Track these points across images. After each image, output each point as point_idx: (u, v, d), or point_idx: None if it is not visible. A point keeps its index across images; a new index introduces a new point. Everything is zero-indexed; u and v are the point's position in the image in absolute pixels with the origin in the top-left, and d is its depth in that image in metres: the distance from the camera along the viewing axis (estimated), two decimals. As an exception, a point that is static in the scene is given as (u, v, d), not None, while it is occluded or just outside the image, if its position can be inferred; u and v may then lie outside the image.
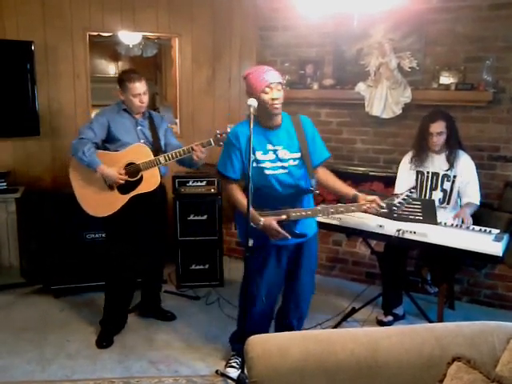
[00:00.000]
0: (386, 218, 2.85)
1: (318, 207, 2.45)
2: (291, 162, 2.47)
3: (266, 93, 2.37)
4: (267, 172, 2.45)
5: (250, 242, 2.49)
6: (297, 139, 2.49)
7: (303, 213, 2.43)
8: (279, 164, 2.46)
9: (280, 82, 2.41)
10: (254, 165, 2.44)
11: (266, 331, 2.73)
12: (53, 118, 4.05)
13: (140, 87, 2.94)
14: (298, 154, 2.49)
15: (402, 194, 2.41)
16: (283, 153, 2.46)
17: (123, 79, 2.97)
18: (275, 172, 2.46)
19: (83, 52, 4.09)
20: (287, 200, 2.47)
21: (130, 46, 6.56)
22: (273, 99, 2.37)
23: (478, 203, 3.15)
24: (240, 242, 2.65)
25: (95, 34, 4.26)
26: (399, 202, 2.37)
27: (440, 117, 3.17)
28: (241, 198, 2.49)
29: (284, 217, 2.41)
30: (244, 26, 4.52)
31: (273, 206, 2.45)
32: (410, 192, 2.43)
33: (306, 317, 2.78)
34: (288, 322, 2.71)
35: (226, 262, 3.93)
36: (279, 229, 2.39)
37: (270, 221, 2.39)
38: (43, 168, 4.07)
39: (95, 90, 4.56)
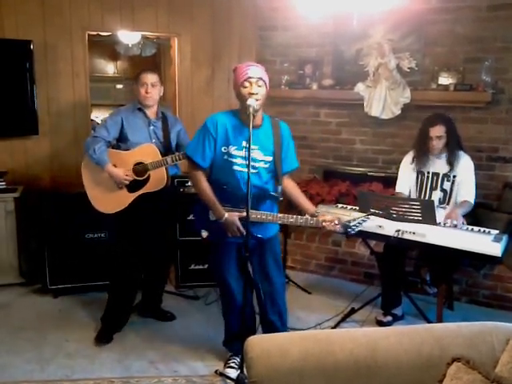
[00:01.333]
0: (384, 218, 2.87)
1: (280, 214, 2.50)
2: (262, 164, 2.48)
3: (245, 87, 2.37)
4: (236, 168, 2.45)
5: (204, 234, 2.61)
6: (273, 143, 2.49)
7: (263, 216, 2.48)
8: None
9: (261, 78, 2.38)
10: (225, 157, 2.46)
11: (253, 328, 2.77)
12: (52, 118, 4.05)
13: (149, 77, 3.02)
14: (271, 158, 2.49)
15: (359, 218, 2.52)
16: (256, 153, 2.46)
17: (138, 72, 3.11)
18: (244, 169, 2.43)
19: (82, 51, 4.08)
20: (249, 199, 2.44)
21: (129, 46, 6.56)
22: (250, 94, 2.35)
23: (472, 203, 3.15)
24: (195, 230, 2.67)
25: (94, 33, 4.26)
26: (355, 225, 2.49)
27: (440, 121, 3.17)
28: (206, 189, 2.50)
29: (244, 214, 2.41)
30: (243, 25, 4.52)
31: (235, 204, 2.47)
32: (366, 217, 2.55)
33: (285, 312, 2.77)
34: (269, 319, 2.71)
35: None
36: (240, 226, 2.44)
37: (233, 217, 2.43)
38: (42, 167, 4.06)
39: (94, 89, 4.57)
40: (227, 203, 2.49)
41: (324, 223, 2.44)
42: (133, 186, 3.04)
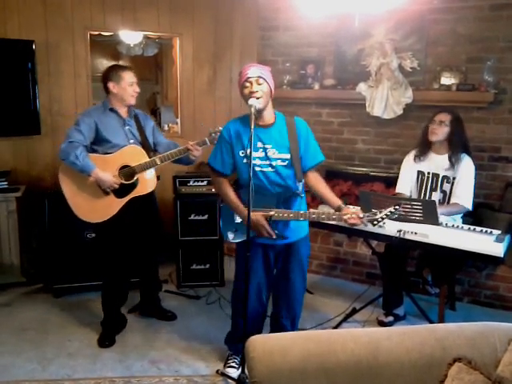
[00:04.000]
0: (386, 218, 2.86)
1: (301, 211, 2.46)
2: (279, 162, 2.47)
3: (246, 87, 2.39)
4: (256, 168, 2.45)
5: (230, 237, 2.58)
6: (288, 140, 2.47)
7: (285, 214, 2.44)
8: (268, 162, 2.46)
9: (260, 76, 2.38)
10: (245, 161, 2.46)
11: (260, 331, 2.75)
12: (54, 117, 4.06)
13: (133, 76, 2.95)
14: (288, 155, 2.47)
15: (384, 210, 2.37)
16: (271, 152, 2.46)
17: (115, 70, 2.95)
18: (264, 169, 2.46)
19: (84, 51, 4.09)
20: (274, 199, 2.46)
21: (131, 46, 6.55)
22: (251, 92, 2.37)
23: (467, 206, 3.08)
24: (222, 235, 2.67)
25: (96, 33, 4.26)
26: (381, 217, 2.35)
27: (448, 110, 3.17)
28: (229, 193, 2.52)
29: (272, 213, 2.42)
30: (245, 25, 4.52)
31: (259, 204, 2.45)
32: (394, 209, 2.37)
33: (299, 318, 2.76)
34: (281, 323, 2.71)
35: (227, 261, 3.93)
36: (266, 225, 2.42)
37: (257, 216, 2.41)
38: (44, 167, 4.07)
39: (96, 89, 4.55)
40: (257, 205, 2.43)
41: (345, 217, 2.35)
42: (120, 191, 2.90)
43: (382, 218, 2.35)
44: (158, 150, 3.08)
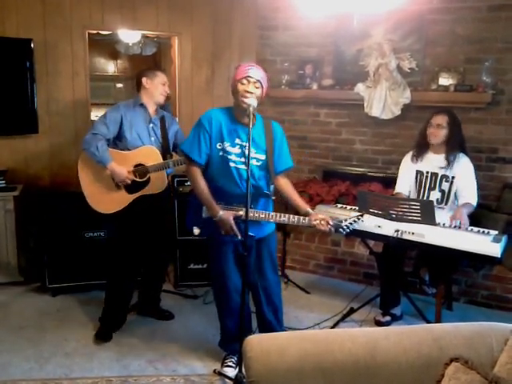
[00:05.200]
0: (383, 218, 2.87)
1: (272, 213, 2.51)
2: (254, 162, 2.48)
3: (243, 84, 2.40)
4: (231, 164, 2.47)
5: (196, 231, 2.60)
6: (265, 142, 2.52)
7: (257, 214, 2.49)
8: (243, 160, 2.47)
9: (259, 81, 2.41)
10: (221, 154, 2.48)
11: (249, 327, 2.78)
12: (52, 116, 4.05)
13: (166, 78, 3.12)
14: (263, 156, 2.51)
15: (350, 218, 2.51)
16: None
17: (152, 69, 3.17)
18: (238, 166, 2.48)
19: (83, 50, 4.08)
20: (244, 198, 2.44)
21: (130, 45, 6.55)
22: (245, 91, 2.37)
23: (475, 204, 3.14)
24: (187, 227, 2.66)
25: (95, 32, 4.26)
26: (346, 225, 2.47)
27: (445, 112, 3.19)
28: (202, 185, 2.51)
29: (241, 213, 2.45)
30: (244, 25, 4.52)
31: (228, 201, 2.49)
32: (358, 218, 2.52)
33: (281, 310, 2.79)
34: (265, 318, 2.73)
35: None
36: (234, 225, 2.45)
37: (227, 215, 2.44)
38: (42, 166, 4.06)
39: (94, 88, 4.56)
40: (221, 200, 2.50)
41: (315, 222, 2.45)
42: (131, 188, 3.02)
43: (347, 226, 2.48)
44: (177, 151, 3.18)
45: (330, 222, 2.44)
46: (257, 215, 2.49)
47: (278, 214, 2.50)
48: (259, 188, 2.55)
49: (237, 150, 2.47)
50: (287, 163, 2.64)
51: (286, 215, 2.50)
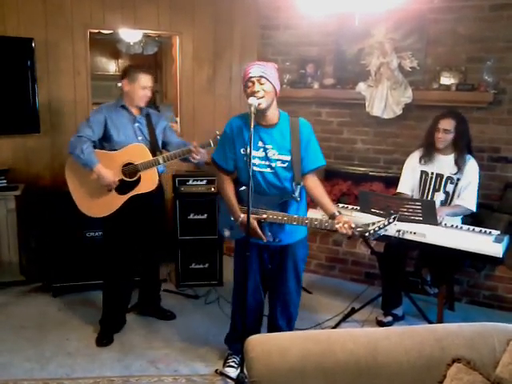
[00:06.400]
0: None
1: (295, 216, 2.43)
2: (279, 164, 2.44)
3: (249, 87, 2.37)
4: (255, 168, 2.43)
5: (227, 233, 2.61)
6: (290, 142, 2.44)
7: (279, 217, 2.42)
8: (267, 163, 2.44)
9: (262, 76, 2.34)
10: (245, 159, 2.45)
11: (258, 330, 2.75)
12: (53, 116, 4.05)
13: (150, 81, 2.97)
14: (288, 157, 2.43)
15: (378, 222, 2.31)
16: (272, 153, 2.44)
17: (134, 69, 2.97)
18: (262, 170, 2.45)
19: (84, 49, 4.08)
20: (270, 201, 2.46)
21: (131, 44, 6.55)
22: (252, 92, 2.34)
23: (472, 209, 3.10)
24: (219, 230, 2.69)
25: (96, 31, 4.25)
26: (373, 230, 2.27)
27: (452, 116, 3.15)
28: (228, 190, 2.54)
29: (264, 216, 2.42)
30: (245, 24, 4.51)
31: (255, 205, 2.43)
32: (388, 222, 2.30)
33: (295, 319, 2.76)
34: (277, 324, 2.71)
35: (226, 261, 3.92)
36: (257, 228, 2.42)
37: (251, 219, 2.38)
38: (43, 165, 4.06)
39: (95, 87, 4.55)
40: (252, 205, 2.40)
41: (337, 225, 2.30)
42: (122, 188, 2.93)
43: (375, 231, 2.28)
44: (168, 149, 3.10)
45: (352, 225, 2.29)
46: (279, 218, 2.41)
47: (301, 218, 2.40)
48: (284, 190, 2.47)
49: (260, 153, 2.43)
50: (316, 162, 2.49)
51: (309, 218, 2.40)
